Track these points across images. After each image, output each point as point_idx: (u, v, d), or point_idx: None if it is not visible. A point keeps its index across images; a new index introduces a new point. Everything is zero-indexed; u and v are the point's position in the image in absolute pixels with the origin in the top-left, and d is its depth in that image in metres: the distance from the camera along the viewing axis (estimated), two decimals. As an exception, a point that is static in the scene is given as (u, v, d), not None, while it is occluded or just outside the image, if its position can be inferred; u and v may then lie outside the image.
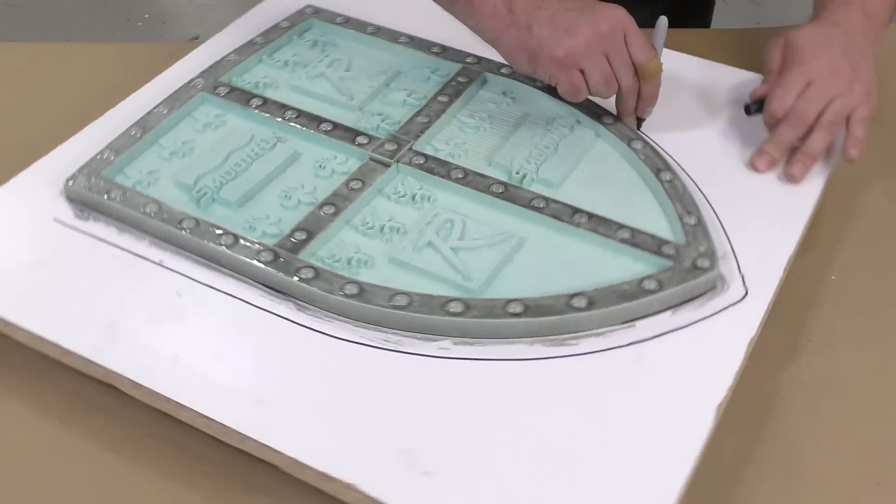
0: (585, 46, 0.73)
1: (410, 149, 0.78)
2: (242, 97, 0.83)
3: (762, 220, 0.74)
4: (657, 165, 0.76)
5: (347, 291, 0.66)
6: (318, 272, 0.67)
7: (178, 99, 0.83)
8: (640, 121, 0.82)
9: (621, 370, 0.63)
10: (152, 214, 0.72)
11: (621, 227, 0.71)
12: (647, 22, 0.78)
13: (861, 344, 0.72)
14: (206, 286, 0.68)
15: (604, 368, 0.63)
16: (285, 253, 0.69)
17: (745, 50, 0.95)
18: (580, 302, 0.65)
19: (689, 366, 0.63)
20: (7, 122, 0.90)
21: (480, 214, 0.73)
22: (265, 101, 0.83)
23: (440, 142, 0.79)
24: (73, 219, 0.73)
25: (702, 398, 0.61)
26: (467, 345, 0.65)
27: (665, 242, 0.70)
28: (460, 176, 0.75)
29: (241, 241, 0.69)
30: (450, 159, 0.77)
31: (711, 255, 0.69)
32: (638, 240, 0.70)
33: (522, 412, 0.61)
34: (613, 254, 0.70)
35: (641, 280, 0.67)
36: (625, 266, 0.69)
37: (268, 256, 0.68)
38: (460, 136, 0.80)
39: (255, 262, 0.68)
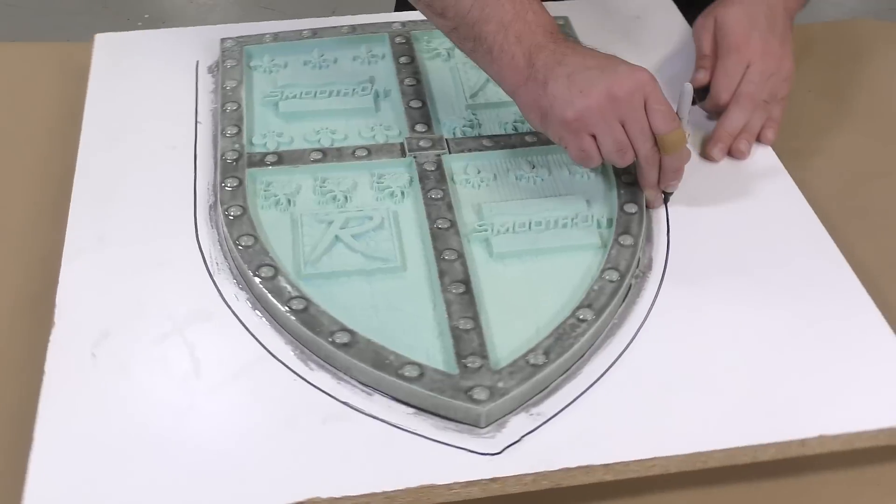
0: (598, 110, 0.68)
1: (439, 156, 0.77)
2: (403, 51, 0.89)
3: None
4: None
5: (231, 214, 0.72)
6: (239, 185, 0.74)
7: (366, 28, 0.91)
8: (665, 195, 0.74)
9: (304, 414, 0.61)
10: (225, 88, 0.84)
11: (472, 319, 0.64)
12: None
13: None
14: (190, 149, 0.80)
15: (297, 406, 0.61)
16: (243, 162, 0.76)
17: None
18: (342, 338, 0.63)
19: (338, 458, 0.59)
20: (7, 122, 0.90)
21: (406, 232, 0.72)
22: (411, 61, 0.88)
23: (473, 169, 0.77)
24: (204, 68, 0.89)
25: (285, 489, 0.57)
26: (252, 307, 0.67)
27: (479, 355, 0.62)
28: (434, 197, 0.74)
29: (237, 137, 0.78)
30: (454, 184, 0.76)
31: (497, 395, 0.60)
32: (465, 337, 0.63)
33: (218, 377, 0.63)
34: (438, 333, 0.65)
35: (409, 363, 0.62)
36: (430, 348, 0.64)
37: (232, 156, 0.77)
38: (495, 173, 0.77)
39: (221, 154, 0.77)
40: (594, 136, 0.69)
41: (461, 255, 0.69)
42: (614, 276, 0.68)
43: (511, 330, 0.65)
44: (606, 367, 0.64)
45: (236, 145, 0.78)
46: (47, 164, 0.83)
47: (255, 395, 0.62)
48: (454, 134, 0.80)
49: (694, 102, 0.81)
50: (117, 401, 0.61)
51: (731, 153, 0.80)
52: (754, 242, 0.73)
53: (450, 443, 0.59)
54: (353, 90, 0.84)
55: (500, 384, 0.61)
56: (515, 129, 0.81)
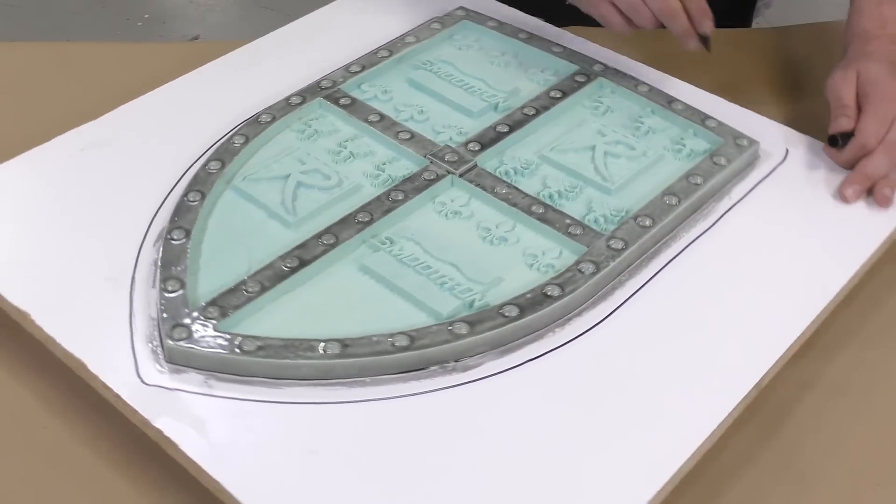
0: None
1: (447, 172, 0.76)
2: (567, 88, 0.85)
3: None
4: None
5: (262, 119, 0.80)
6: (300, 104, 0.82)
7: (571, 55, 0.88)
8: (704, 40, 0.79)
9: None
10: (402, 40, 0.90)
11: (261, 286, 0.66)
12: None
13: (861, 344, 0.72)
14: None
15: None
16: (326, 92, 0.83)
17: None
18: (178, 235, 0.70)
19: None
20: (6, 122, 0.89)
21: (339, 207, 0.73)
22: (560, 97, 0.84)
23: (462, 200, 0.75)
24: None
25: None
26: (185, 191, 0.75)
27: (218, 311, 0.64)
28: (393, 198, 0.73)
29: (352, 76, 0.85)
30: (431, 202, 0.74)
31: (187, 340, 0.63)
32: (239, 295, 0.66)
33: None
34: (240, 277, 0.67)
35: (185, 271, 0.67)
36: (220, 281, 0.67)
37: (327, 84, 0.84)
38: (472, 215, 0.74)
39: (320, 80, 0.85)
40: (612, 3, 0.78)
41: (334, 245, 0.69)
42: (403, 340, 0.63)
43: (272, 315, 0.65)
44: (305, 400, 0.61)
45: (340, 79, 0.85)
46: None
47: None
48: (495, 170, 0.77)
49: (838, 144, 0.78)
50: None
51: (873, 197, 0.76)
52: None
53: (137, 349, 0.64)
54: (482, 92, 0.85)
55: (198, 333, 0.63)
56: (549, 196, 0.75)
